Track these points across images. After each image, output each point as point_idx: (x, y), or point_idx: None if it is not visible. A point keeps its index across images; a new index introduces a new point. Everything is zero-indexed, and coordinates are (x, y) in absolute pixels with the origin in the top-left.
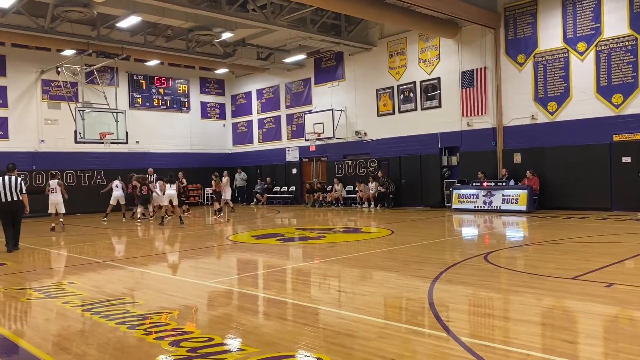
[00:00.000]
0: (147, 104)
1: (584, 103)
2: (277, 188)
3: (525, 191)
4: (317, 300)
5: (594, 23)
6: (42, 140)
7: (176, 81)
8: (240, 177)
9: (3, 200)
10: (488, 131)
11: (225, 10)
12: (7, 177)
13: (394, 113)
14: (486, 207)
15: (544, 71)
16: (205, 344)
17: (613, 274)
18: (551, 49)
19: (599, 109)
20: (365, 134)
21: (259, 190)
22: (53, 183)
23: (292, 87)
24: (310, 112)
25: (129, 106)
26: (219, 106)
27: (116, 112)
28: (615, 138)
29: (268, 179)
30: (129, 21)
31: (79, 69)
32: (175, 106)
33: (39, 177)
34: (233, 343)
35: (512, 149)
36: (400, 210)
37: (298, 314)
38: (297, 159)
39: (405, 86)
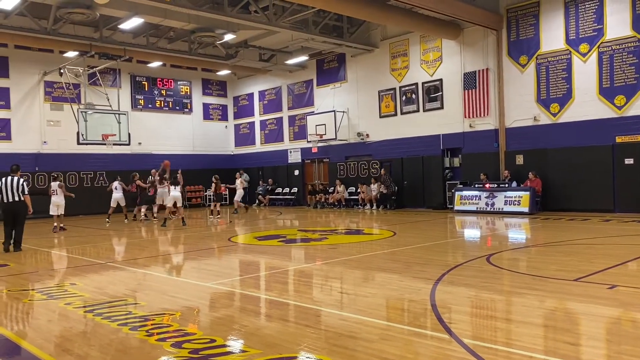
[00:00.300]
0: (150, 106)
1: (587, 104)
2: (279, 189)
3: (528, 193)
4: (319, 302)
5: (596, 24)
6: (45, 142)
7: (178, 83)
8: (243, 179)
9: (5, 200)
10: (490, 132)
11: (227, 11)
12: (9, 178)
13: (396, 114)
14: (488, 209)
15: (547, 72)
16: (207, 346)
17: (616, 275)
18: (553, 51)
19: (601, 110)
20: (367, 135)
21: (261, 192)
22: (54, 185)
23: (294, 88)
24: (312, 113)
25: (131, 107)
26: (221, 107)
27: (118, 114)
28: (618, 139)
29: (270, 180)
30: (132, 23)
31: (81, 71)
32: (177, 108)
33: (41, 178)
34: (235, 344)
35: (515, 151)
36: (403, 211)
37: (300, 315)
38: (299, 161)
39: (407, 87)
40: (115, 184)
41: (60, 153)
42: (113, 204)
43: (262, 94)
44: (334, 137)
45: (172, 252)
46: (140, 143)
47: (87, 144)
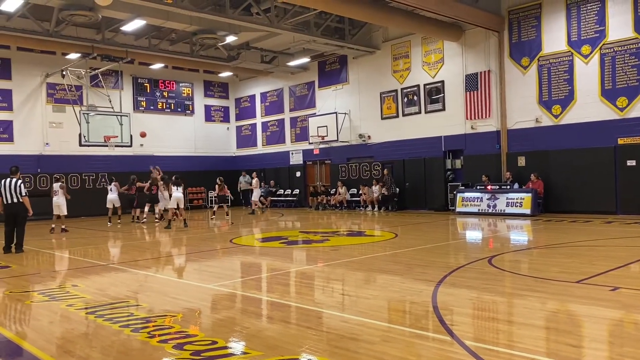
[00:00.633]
0: (151, 107)
1: (589, 106)
2: (280, 191)
3: (530, 194)
4: (320, 304)
5: (598, 26)
6: (47, 143)
7: (180, 84)
8: (245, 181)
9: (5, 202)
10: (492, 134)
11: (229, 13)
12: (8, 180)
13: (397, 116)
14: (490, 211)
15: (548, 74)
16: (209, 347)
17: (618, 277)
18: (555, 52)
19: (603, 112)
20: (369, 137)
21: (262, 194)
22: (56, 186)
23: (296, 90)
24: (314, 115)
25: (133, 109)
26: (222, 109)
27: (120, 115)
28: (620, 141)
29: (272, 182)
30: (134, 25)
31: (83, 73)
32: (179, 109)
33: (43, 180)
34: (236, 346)
35: (516, 152)
36: (404, 213)
37: (302, 317)
38: (301, 162)
39: (409, 89)
40: (111, 185)
41: (62, 155)
42: (109, 205)
43: (263, 95)
44: (336, 139)
45: (173, 254)
46: (142, 145)
47: (89, 145)
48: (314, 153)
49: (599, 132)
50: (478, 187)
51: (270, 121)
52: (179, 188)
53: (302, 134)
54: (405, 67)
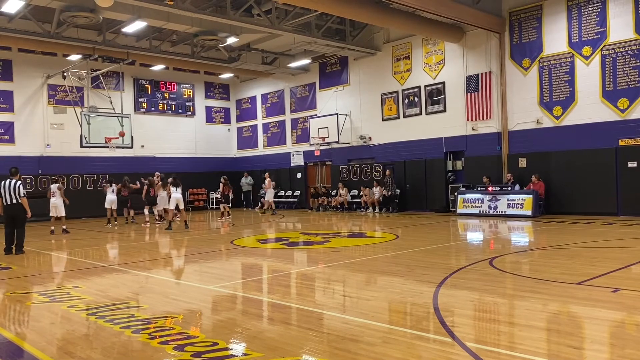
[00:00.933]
0: (152, 109)
1: (590, 107)
2: (281, 192)
3: (531, 196)
4: (321, 305)
5: (599, 27)
6: (48, 145)
7: (181, 86)
8: (247, 182)
9: (4, 203)
10: (493, 135)
11: (230, 15)
12: (8, 181)
13: (398, 117)
14: (491, 212)
15: (549, 75)
16: (210, 349)
17: (619, 279)
18: (556, 54)
19: (604, 113)
20: (370, 138)
21: (263, 195)
22: (54, 187)
23: (297, 91)
24: (314, 116)
25: (134, 111)
26: (223, 111)
27: (121, 117)
28: (621, 143)
29: (273, 183)
30: (135, 26)
31: (84, 74)
32: (180, 111)
33: (44, 181)
34: (237, 348)
35: (517, 154)
36: (405, 214)
37: (302, 318)
38: (302, 164)
39: (409, 91)
40: (112, 187)
41: (63, 156)
42: (108, 206)
43: (264, 97)
44: (337, 140)
45: (174, 255)
46: (143, 146)
47: (90, 147)
48: (315, 154)
49: (600, 134)
50: (479, 189)
51: (271, 122)
52: (177, 189)
53: (303, 135)
54: (406, 69)
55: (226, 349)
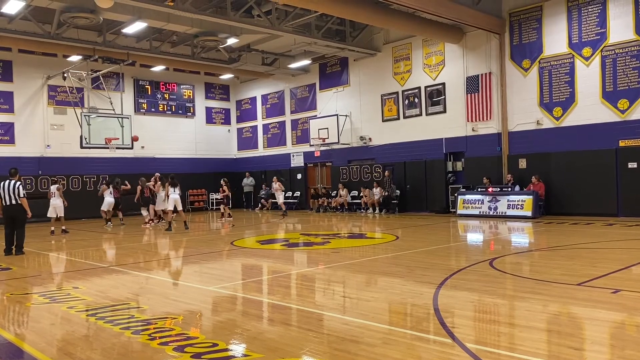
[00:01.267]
0: (153, 109)
1: (590, 108)
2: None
3: (531, 197)
4: (321, 306)
5: (599, 28)
6: (48, 146)
7: (181, 86)
8: (249, 183)
9: (4, 204)
10: (493, 136)
11: (230, 16)
12: (7, 182)
13: (398, 118)
14: (491, 213)
15: (549, 76)
16: (210, 350)
17: (619, 280)
18: (556, 54)
19: (604, 114)
20: (370, 139)
21: (263, 196)
22: (53, 188)
23: (297, 92)
24: (315, 117)
25: (135, 111)
26: (223, 111)
27: (122, 118)
28: (622, 143)
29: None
30: (135, 27)
31: (84, 75)
32: (180, 111)
33: (44, 182)
34: (237, 348)
35: (517, 154)
36: (405, 215)
37: (302, 319)
38: (302, 165)
39: (410, 91)
40: (111, 188)
41: (63, 157)
42: (105, 208)
43: (264, 97)
44: (337, 141)
45: (174, 256)
46: (143, 147)
47: (90, 147)
48: (315, 155)
49: (600, 135)
50: (479, 190)
51: (271, 123)
52: (176, 189)
53: (303, 136)
54: (406, 69)
55: (226, 350)
